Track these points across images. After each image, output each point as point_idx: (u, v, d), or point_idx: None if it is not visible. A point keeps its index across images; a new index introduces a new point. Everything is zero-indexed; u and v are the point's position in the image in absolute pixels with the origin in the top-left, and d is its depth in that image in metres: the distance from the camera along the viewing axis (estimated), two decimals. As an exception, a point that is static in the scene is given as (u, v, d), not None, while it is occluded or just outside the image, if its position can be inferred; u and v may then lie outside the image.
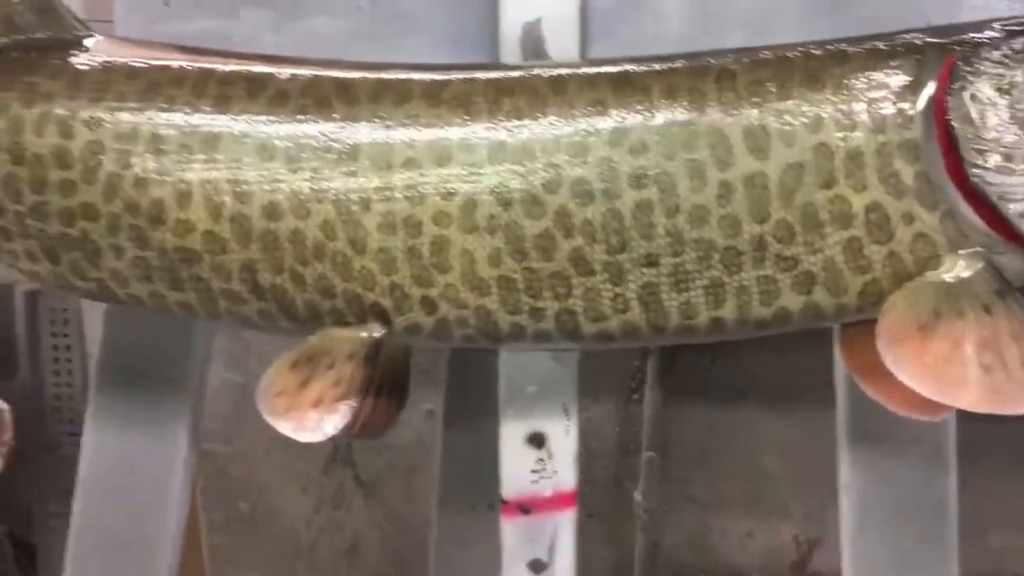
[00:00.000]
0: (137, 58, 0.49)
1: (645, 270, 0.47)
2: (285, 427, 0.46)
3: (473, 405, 0.72)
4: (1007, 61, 0.45)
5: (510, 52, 0.57)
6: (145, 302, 0.50)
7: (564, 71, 0.49)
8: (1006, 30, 0.47)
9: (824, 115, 0.46)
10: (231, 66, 0.49)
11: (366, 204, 0.47)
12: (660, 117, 0.46)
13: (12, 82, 0.48)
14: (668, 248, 0.46)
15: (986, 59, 0.46)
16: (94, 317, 1.09)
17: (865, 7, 0.57)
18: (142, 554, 0.64)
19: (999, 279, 0.45)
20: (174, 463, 0.64)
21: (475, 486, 0.75)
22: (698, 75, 0.47)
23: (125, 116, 0.48)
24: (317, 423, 0.46)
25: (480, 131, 0.47)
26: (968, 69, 0.45)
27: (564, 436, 0.59)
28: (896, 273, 0.46)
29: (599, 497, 1.11)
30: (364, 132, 0.47)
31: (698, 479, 1.11)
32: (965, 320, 0.44)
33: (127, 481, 0.64)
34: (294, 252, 0.47)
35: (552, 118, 0.47)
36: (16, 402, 0.98)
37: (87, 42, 0.50)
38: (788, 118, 0.46)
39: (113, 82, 0.48)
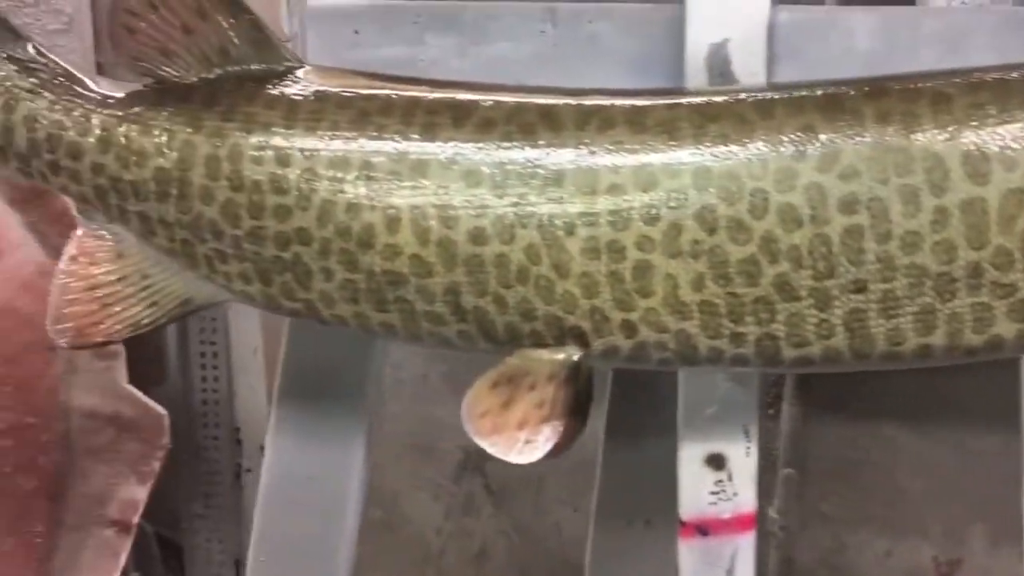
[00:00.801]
0: (346, 87, 0.51)
1: (853, 296, 0.46)
2: (493, 449, 0.47)
3: (636, 421, 0.73)
4: None
5: (695, 74, 0.57)
6: (349, 322, 0.52)
7: (770, 95, 0.49)
8: None
9: None
10: (437, 94, 0.50)
11: (570, 229, 0.47)
12: (872, 142, 0.46)
13: (231, 112, 0.51)
14: (878, 274, 0.46)
15: None
16: (240, 326, 1.13)
17: (1065, 24, 0.56)
18: (320, 561, 0.66)
19: None
20: (351, 474, 0.66)
21: (634, 502, 0.75)
22: (911, 98, 0.47)
23: (338, 144, 0.49)
24: (526, 444, 0.47)
25: (685, 157, 0.47)
26: None
27: (744, 458, 0.59)
28: None
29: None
30: (569, 158, 0.48)
31: (835, 496, 1.09)
32: None
33: (307, 491, 0.66)
34: (498, 276, 0.48)
35: (759, 143, 0.47)
36: (165, 406, 1.03)
37: (298, 72, 0.52)
38: (1009, 142, 0.45)
39: (326, 111, 0.50)
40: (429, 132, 0.49)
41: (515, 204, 0.48)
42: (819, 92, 0.48)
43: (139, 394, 1.01)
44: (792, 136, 0.47)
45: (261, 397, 1.15)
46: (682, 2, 0.57)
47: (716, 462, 0.59)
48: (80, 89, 0.52)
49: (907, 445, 1.06)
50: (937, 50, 0.56)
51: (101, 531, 1.03)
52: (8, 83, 0.51)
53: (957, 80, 0.47)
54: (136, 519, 1.02)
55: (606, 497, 0.77)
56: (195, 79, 0.52)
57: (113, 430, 1.02)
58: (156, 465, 1.02)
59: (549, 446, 0.47)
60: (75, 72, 0.53)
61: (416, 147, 0.49)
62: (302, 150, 0.49)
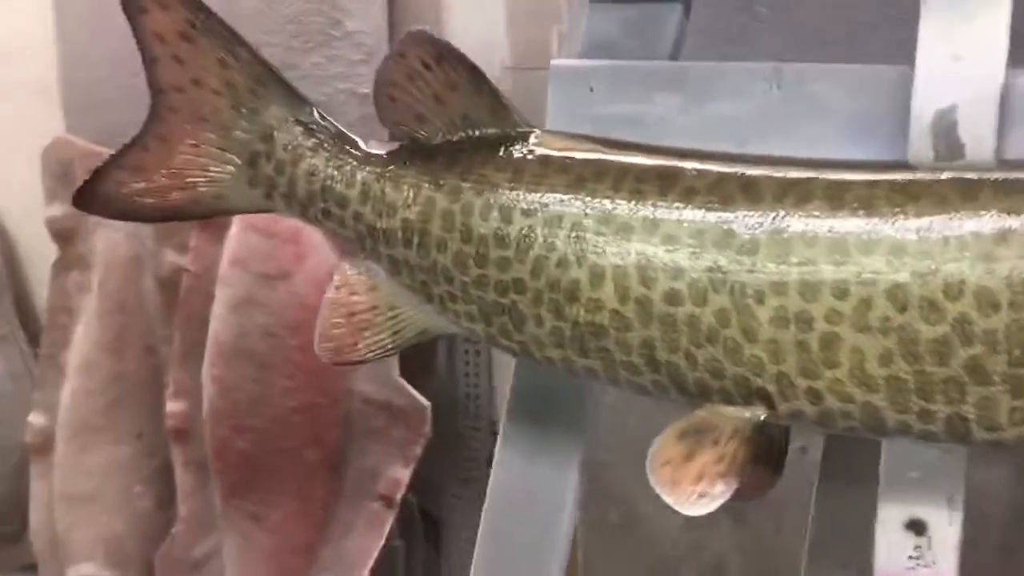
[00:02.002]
0: (568, 152, 0.56)
1: None
2: (669, 499, 0.51)
3: (850, 464, 0.73)
4: None
5: (919, 139, 0.56)
6: (556, 363, 0.57)
7: (974, 176, 0.48)
8: None
9: None
10: (647, 161, 0.54)
11: (760, 297, 0.50)
12: (1079, 231, 0.45)
13: (467, 173, 0.58)
14: None
15: None
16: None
17: None
18: (536, 565, 0.73)
19: None
20: (566, 491, 0.71)
21: (847, 546, 0.75)
22: None
23: (554, 206, 0.55)
24: (699, 498, 0.50)
25: (880, 234, 0.48)
26: None
27: (947, 526, 0.58)
28: None
29: (986, 562, 1.04)
30: (765, 229, 0.50)
31: None
32: None
33: (527, 503, 0.73)
34: (689, 335, 0.52)
35: (958, 224, 0.47)
36: (433, 398, 1.14)
37: (529, 136, 0.58)
38: None
39: (547, 175, 0.56)
40: (635, 197, 0.53)
41: (710, 270, 0.51)
42: None
43: (408, 387, 1.13)
44: (993, 218, 0.46)
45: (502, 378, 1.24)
46: (911, 63, 0.57)
47: (916, 527, 0.59)
48: (350, 148, 0.62)
49: None
50: None
51: (370, 504, 1.16)
52: (295, 142, 0.62)
53: None
54: (399, 496, 1.14)
55: (820, 537, 0.77)
56: (441, 141, 0.59)
57: (385, 416, 1.14)
58: (418, 450, 1.14)
59: (719, 502, 0.50)
60: (347, 133, 0.62)
61: (623, 211, 0.53)
62: (523, 209, 0.55)
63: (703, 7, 0.94)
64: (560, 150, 0.57)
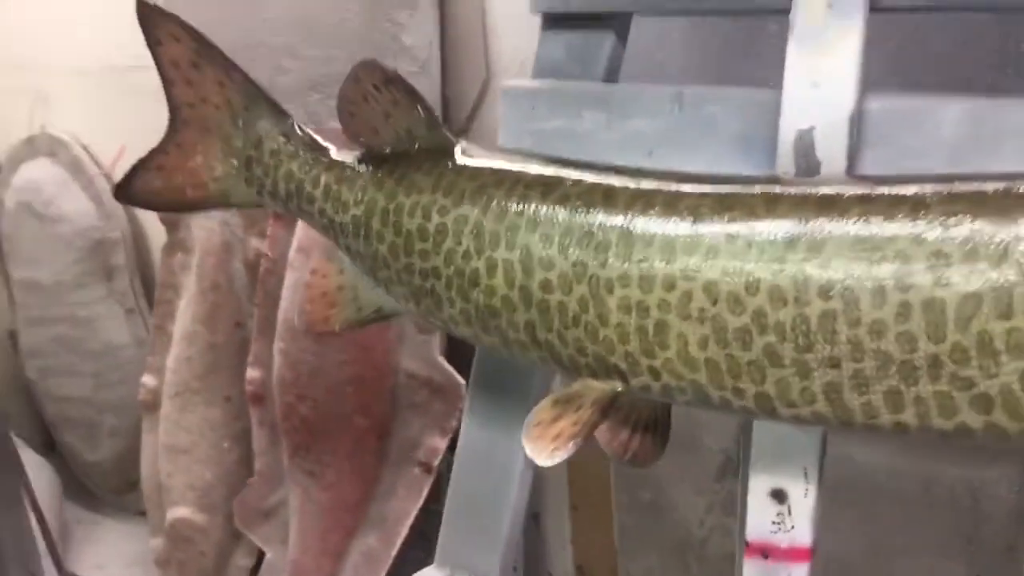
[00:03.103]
0: (481, 163, 0.67)
1: (829, 370, 0.53)
2: (529, 451, 0.61)
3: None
4: None
5: (784, 156, 0.64)
6: (470, 339, 0.68)
7: (779, 190, 0.56)
8: None
9: (1013, 248, 0.48)
10: (538, 171, 0.65)
11: (610, 288, 0.59)
12: (850, 238, 0.52)
13: (401, 178, 0.69)
14: (849, 354, 0.52)
15: None
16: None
17: None
18: (493, 512, 0.84)
19: None
20: (518, 451, 0.82)
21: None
22: (895, 203, 0.52)
23: (462, 207, 0.66)
24: (551, 453, 0.60)
25: (701, 238, 0.57)
26: None
27: (803, 497, 0.66)
28: None
29: (986, 561, 1.08)
30: (615, 231, 0.60)
31: None
32: None
33: (486, 461, 0.84)
34: (560, 318, 0.62)
35: (759, 231, 0.55)
36: (467, 377, 1.25)
37: (454, 150, 0.69)
38: (970, 249, 0.49)
39: (459, 182, 0.66)
40: (523, 201, 0.63)
41: (573, 264, 0.61)
42: (821, 192, 0.55)
43: (448, 365, 1.25)
44: (785, 228, 0.54)
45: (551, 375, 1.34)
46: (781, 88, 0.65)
47: (778, 496, 0.67)
48: (319, 154, 0.74)
49: None
50: (1017, 142, 0.58)
51: (411, 469, 1.30)
52: (277, 149, 0.75)
53: (942, 190, 0.51)
54: (436, 463, 1.27)
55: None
56: (388, 151, 0.71)
57: (427, 391, 1.27)
58: (455, 423, 1.25)
59: (562, 458, 0.60)
60: (320, 141, 0.75)
61: (511, 212, 0.64)
62: (438, 209, 0.66)
63: (718, 23, 1.02)
64: (473, 161, 0.68)
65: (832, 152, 0.63)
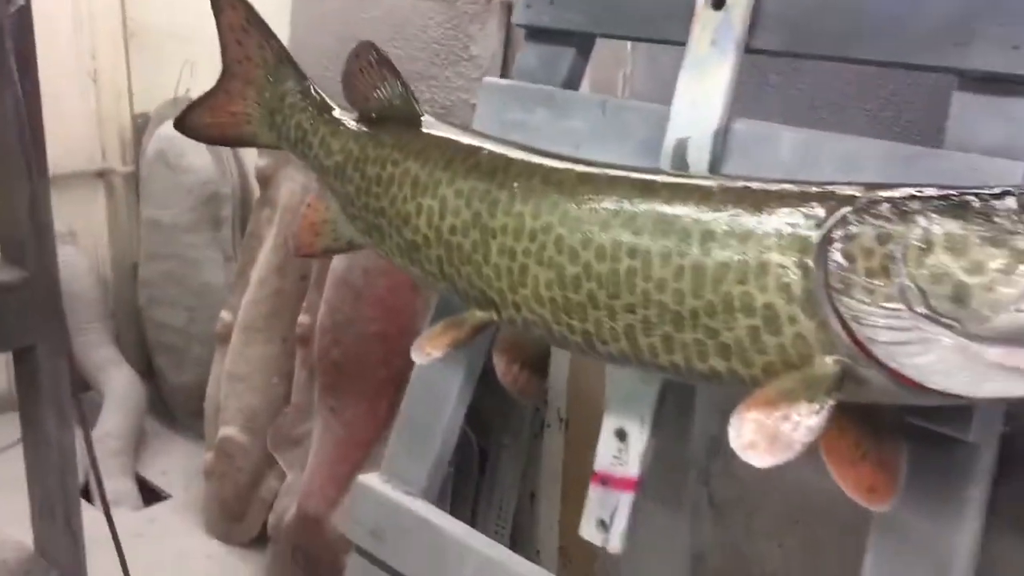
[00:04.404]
0: (434, 132, 0.84)
1: (628, 315, 0.67)
2: (414, 354, 0.77)
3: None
4: (892, 216, 0.56)
5: (665, 159, 0.79)
6: (402, 269, 0.85)
7: (622, 173, 0.71)
8: (924, 195, 0.57)
9: (754, 232, 0.62)
10: (469, 142, 0.81)
11: (493, 234, 0.75)
12: (655, 214, 0.66)
13: (375, 136, 0.87)
14: (642, 303, 0.66)
15: (877, 211, 0.57)
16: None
17: (934, 160, 0.67)
18: (427, 434, 0.99)
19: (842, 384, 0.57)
20: (453, 385, 0.98)
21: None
22: (690, 191, 0.66)
23: (407, 162, 0.83)
24: (425, 356, 0.77)
25: (561, 202, 0.72)
26: (860, 217, 0.57)
27: (638, 438, 0.79)
28: (784, 360, 0.60)
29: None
30: (504, 190, 0.75)
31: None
32: (798, 404, 0.57)
33: (428, 392, 1.00)
34: (459, 256, 0.78)
35: (596, 204, 0.70)
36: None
37: (420, 120, 0.87)
38: (725, 228, 0.62)
39: (412, 143, 0.84)
40: (447, 164, 0.80)
41: (474, 215, 0.77)
42: (644, 177, 0.69)
43: (461, 335, 1.42)
44: (614, 203, 0.69)
45: (562, 371, 1.48)
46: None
47: (621, 435, 0.80)
48: (324, 112, 0.93)
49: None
50: (833, 166, 0.71)
51: (416, 420, 1.47)
52: (295, 103, 0.94)
53: (726, 185, 0.65)
54: (437, 419, 1.44)
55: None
56: (374, 115, 0.89)
57: (440, 354, 1.44)
58: (458, 387, 1.42)
59: (435, 359, 0.76)
60: (329, 102, 0.94)
61: (437, 170, 0.80)
62: (392, 161, 0.84)
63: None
64: (430, 130, 0.85)
65: (698, 159, 0.77)
